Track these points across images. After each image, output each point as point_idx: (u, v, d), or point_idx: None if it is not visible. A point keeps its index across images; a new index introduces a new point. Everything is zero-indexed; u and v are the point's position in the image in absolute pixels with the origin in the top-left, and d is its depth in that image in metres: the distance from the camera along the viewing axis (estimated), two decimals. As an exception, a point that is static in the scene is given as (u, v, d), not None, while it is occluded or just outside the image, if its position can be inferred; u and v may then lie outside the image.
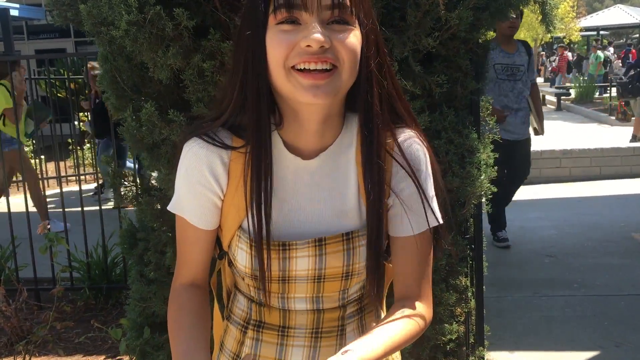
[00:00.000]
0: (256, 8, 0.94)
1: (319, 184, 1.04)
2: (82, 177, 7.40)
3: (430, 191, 1.06)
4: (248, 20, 0.96)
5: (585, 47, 28.61)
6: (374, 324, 1.06)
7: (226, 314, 1.17)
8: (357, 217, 1.04)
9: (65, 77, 6.05)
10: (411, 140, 1.05)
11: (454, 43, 2.01)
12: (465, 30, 1.96)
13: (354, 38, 0.93)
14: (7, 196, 4.49)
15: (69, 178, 8.28)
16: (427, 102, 2.04)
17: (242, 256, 1.04)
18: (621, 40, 37.25)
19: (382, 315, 1.18)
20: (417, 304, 1.07)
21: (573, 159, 7.37)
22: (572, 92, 16.97)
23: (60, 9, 2.40)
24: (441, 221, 1.07)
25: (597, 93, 16.70)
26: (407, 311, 1.04)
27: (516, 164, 4.77)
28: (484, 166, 2.23)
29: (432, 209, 1.05)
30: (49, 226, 2.55)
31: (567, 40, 24.67)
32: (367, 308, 1.15)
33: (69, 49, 12.61)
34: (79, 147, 7.78)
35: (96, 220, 4.15)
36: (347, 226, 1.04)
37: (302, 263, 1.02)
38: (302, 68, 0.91)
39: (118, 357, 3.41)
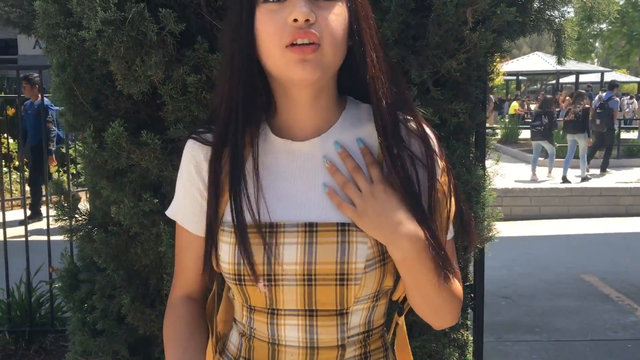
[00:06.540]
0: None
1: (315, 168, 0.97)
2: (7, 204, 6.72)
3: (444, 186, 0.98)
4: (234, 2, 0.94)
5: (505, 90, 29.84)
6: None
7: (219, 347, 1.08)
8: None
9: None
10: (423, 124, 0.99)
11: (468, 69, 1.81)
12: (483, 55, 1.77)
13: (338, 14, 0.92)
14: None
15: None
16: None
17: (225, 252, 0.95)
18: (535, 86, 39.16)
19: None
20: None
21: (514, 198, 7.42)
22: (498, 132, 17.47)
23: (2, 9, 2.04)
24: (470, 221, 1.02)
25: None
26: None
27: None
28: (488, 207, 2.03)
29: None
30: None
31: (491, 84, 25.48)
32: (373, 355, 1.00)
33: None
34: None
35: (21, 252, 3.67)
36: (343, 217, 0.94)
37: (289, 252, 0.92)
38: (292, 43, 0.89)
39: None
